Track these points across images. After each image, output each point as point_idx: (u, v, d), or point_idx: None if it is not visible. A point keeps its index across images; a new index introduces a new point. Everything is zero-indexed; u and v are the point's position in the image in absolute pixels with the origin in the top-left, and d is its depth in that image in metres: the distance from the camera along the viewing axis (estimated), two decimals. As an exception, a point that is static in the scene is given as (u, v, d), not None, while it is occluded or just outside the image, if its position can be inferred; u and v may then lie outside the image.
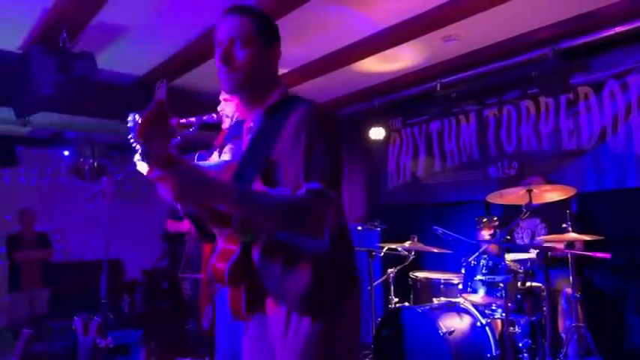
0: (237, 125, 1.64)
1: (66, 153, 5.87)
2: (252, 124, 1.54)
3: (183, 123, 2.50)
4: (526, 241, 3.85)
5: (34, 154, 6.58)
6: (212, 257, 1.49)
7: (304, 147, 1.37)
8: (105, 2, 3.22)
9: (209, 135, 3.27)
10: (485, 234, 3.49)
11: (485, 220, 3.46)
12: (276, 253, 1.44)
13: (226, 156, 1.82)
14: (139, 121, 1.23)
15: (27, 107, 4.10)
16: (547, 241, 3.31)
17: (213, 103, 2.72)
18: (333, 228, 1.42)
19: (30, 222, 5.65)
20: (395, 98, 5.19)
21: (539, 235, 3.76)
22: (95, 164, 5.30)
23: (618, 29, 3.53)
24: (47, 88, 3.56)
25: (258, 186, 1.43)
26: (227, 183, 1.35)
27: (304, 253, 1.42)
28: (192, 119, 2.50)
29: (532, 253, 3.51)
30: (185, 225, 3.86)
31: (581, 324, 3.19)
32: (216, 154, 2.40)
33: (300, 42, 4.00)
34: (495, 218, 3.46)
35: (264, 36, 1.52)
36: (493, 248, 3.69)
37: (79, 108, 4.56)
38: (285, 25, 3.51)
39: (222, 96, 2.53)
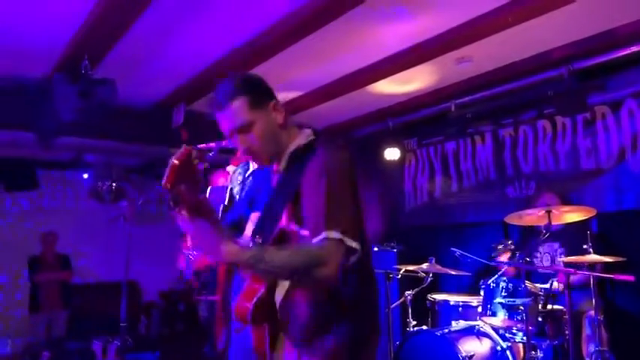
0: (261, 171, 1.73)
1: (85, 176, 5.96)
2: (278, 168, 1.62)
3: (203, 148, 2.54)
4: (545, 261, 3.79)
5: (55, 177, 6.69)
6: (238, 296, 1.54)
7: (324, 194, 1.40)
8: (125, 30, 3.31)
9: (227, 158, 3.32)
10: (504, 259, 3.45)
11: (500, 247, 3.43)
12: (293, 295, 1.48)
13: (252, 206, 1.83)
14: (167, 169, 1.30)
15: (48, 132, 4.20)
16: (568, 263, 3.26)
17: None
18: (355, 275, 1.45)
19: (51, 244, 5.73)
20: (410, 119, 5.20)
21: (558, 261, 3.69)
22: (114, 187, 5.37)
23: (634, 48, 3.51)
24: (68, 114, 3.65)
25: (284, 223, 1.49)
26: (242, 247, 1.40)
27: (319, 298, 1.46)
28: (212, 144, 2.54)
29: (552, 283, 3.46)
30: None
31: (605, 348, 3.11)
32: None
33: (315, 65, 4.05)
34: (510, 242, 3.43)
35: (259, 105, 1.57)
36: (511, 270, 3.65)
37: (99, 132, 4.64)
38: (301, 48, 3.61)
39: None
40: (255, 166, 2.41)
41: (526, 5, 3.11)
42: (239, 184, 2.23)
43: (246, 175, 2.47)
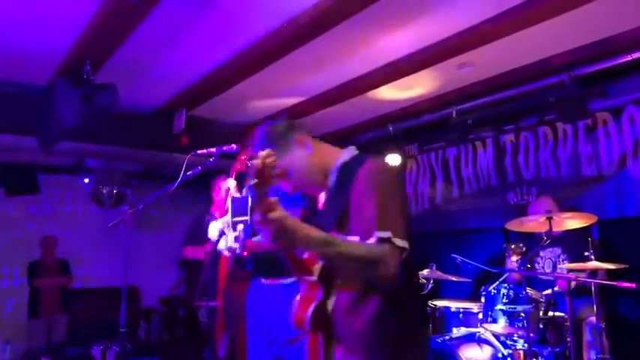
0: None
1: (86, 181, 5.96)
2: (327, 185, 1.72)
3: (203, 153, 2.54)
4: (547, 266, 3.77)
5: (55, 182, 6.69)
6: (295, 305, 1.61)
7: (376, 201, 1.50)
8: (127, 36, 3.32)
9: (227, 163, 3.32)
10: (515, 259, 3.43)
11: (513, 246, 3.42)
12: (348, 302, 1.56)
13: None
14: (254, 178, 1.37)
15: (50, 137, 4.20)
16: (569, 270, 3.25)
17: (231, 132, 2.77)
18: (402, 273, 1.49)
19: (51, 249, 5.72)
20: (411, 125, 5.20)
21: (560, 267, 3.67)
22: (115, 192, 5.37)
23: (635, 55, 3.51)
24: (70, 119, 3.65)
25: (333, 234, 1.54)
26: (313, 231, 1.46)
27: (371, 298, 1.53)
28: (213, 150, 2.54)
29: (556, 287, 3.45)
30: (202, 252, 3.87)
31: (607, 355, 3.09)
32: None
33: (317, 71, 4.06)
34: (522, 245, 3.42)
35: (284, 150, 1.67)
36: (516, 276, 3.63)
37: (100, 137, 4.65)
38: (303, 54, 3.62)
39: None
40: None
41: (527, 12, 3.12)
42: None
43: None
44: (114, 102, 3.69)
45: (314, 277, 1.58)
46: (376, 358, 1.52)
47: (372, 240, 1.46)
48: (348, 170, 1.65)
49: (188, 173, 2.57)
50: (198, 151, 2.59)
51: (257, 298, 2.72)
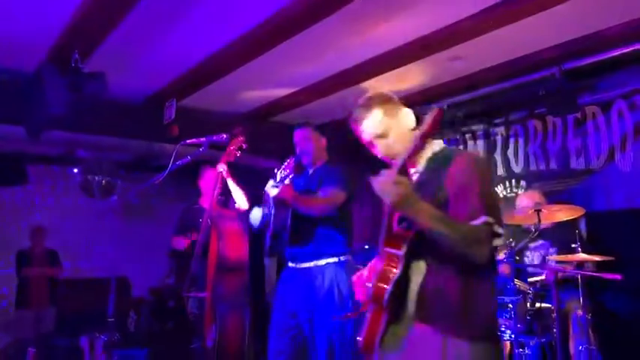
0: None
1: (75, 171, 5.91)
2: (416, 168, 1.81)
3: (193, 143, 2.53)
4: (536, 259, 3.80)
5: (45, 172, 6.63)
6: (373, 277, 1.67)
7: (480, 189, 1.61)
8: (117, 23, 3.28)
9: (217, 153, 3.30)
10: (501, 254, 3.45)
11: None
12: (437, 280, 1.63)
13: None
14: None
15: (38, 126, 4.15)
16: (557, 262, 3.28)
17: (222, 122, 2.76)
18: (492, 250, 1.62)
19: (40, 239, 5.68)
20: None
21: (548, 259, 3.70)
22: (104, 182, 5.33)
23: (625, 49, 3.54)
24: (58, 107, 3.61)
25: None
26: (429, 205, 1.58)
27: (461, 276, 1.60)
28: (203, 139, 2.54)
29: (542, 276, 3.48)
30: (189, 238, 3.87)
31: (593, 346, 3.13)
32: None
33: (308, 62, 4.04)
34: (510, 239, 3.44)
35: (392, 115, 1.82)
36: (505, 269, 3.66)
37: (89, 126, 4.61)
38: (294, 45, 3.60)
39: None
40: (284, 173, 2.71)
41: (518, 5, 3.12)
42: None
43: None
44: (103, 90, 3.65)
45: (401, 252, 1.65)
46: (460, 333, 1.58)
47: (478, 221, 1.56)
48: (440, 159, 1.75)
49: (177, 163, 2.57)
50: (188, 141, 2.58)
51: (287, 284, 2.88)
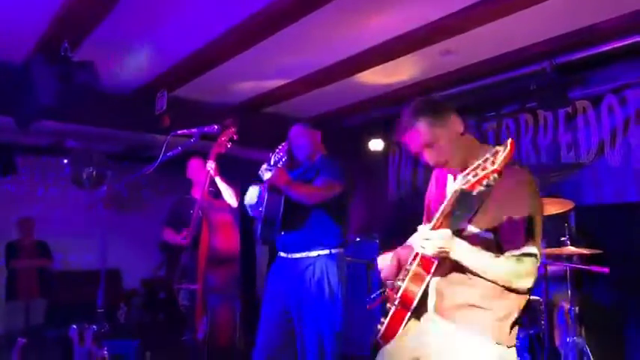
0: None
1: (65, 161, 5.86)
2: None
3: (184, 134, 2.52)
4: None
5: (34, 163, 6.58)
6: (404, 277, 1.71)
7: (527, 213, 1.60)
8: (107, 13, 3.24)
9: (208, 144, 3.29)
10: None
11: None
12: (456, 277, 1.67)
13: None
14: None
15: (27, 116, 4.11)
16: (545, 255, 3.31)
17: (213, 113, 2.74)
18: (534, 280, 1.63)
19: (29, 230, 5.63)
20: (393, 112, 5.20)
21: None
22: (94, 173, 5.29)
23: (616, 44, 3.55)
24: (48, 97, 3.57)
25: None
26: (466, 249, 1.62)
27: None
28: (194, 130, 2.52)
29: None
30: (180, 235, 3.85)
31: (580, 338, 3.18)
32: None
33: (300, 53, 4.03)
34: None
35: (439, 121, 1.74)
36: None
37: (79, 117, 4.57)
38: (287, 36, 3.58)
39: None
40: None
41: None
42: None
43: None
44: (93, 80, 3.62)
45: (437, 259, 1.66)
46: (475, 330, 1.62)
47: (520, 251, 1.58)
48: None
49: (168, 154, 2.55)
50: (179, 132, 2.57)
51: (277, 273, 2.84)
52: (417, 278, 1.67)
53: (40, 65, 3.53)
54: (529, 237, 1.59)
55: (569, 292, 3.16)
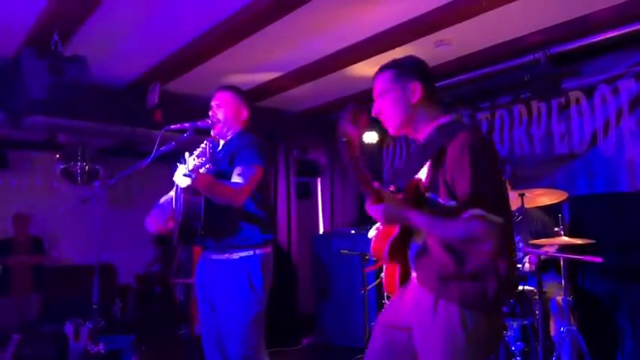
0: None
1: (57, 156, 5.82)
2: (419, 140, 1.83)
3: (177, 128, 2.49)
4: None
5: (26, 158, 6.52)
6: (373, 238, 1.77)
7: (471, 174, 1.56)
8: (97, 6, 3.21)
9: (202, 139, 3.27)
10: None
11: None
12: (432, 243, 1.66)
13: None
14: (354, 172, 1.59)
15: (18, 111, 4.07)
16: (539, 245, 3.33)
17: (206, 107, 2.71)
18: (499, 241, 1.57)
19: (24, 226, 5.60)
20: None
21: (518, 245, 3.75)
22: (87, 168, 5.26)
23: (609, 34, 3.56)
24: (38, 91, 3.53)
25: (424, 182, 1.69)
26: (417, 215, 1.62)
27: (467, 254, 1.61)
28: (187, 124, 2.49)
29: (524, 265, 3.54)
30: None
31: (573, 327, 3.20)
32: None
33: (293, 46, 4.00)
34: None
35: (399, 80, 1.79)
36: None
37: (71, 111, 4.52)
38: (279, 29, 3.56)
39: None
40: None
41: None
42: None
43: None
44: (84, 74, 3.58)
45: None
46: (460, 298, 1.59)
47: (466, 215, 1.53)
48: (444, 133, 1.69)
49: (162, 149, 2.52)
50: (172, 126, 2.53)
51: (203, 273, 2.61)
52: (385, 234, 1.73)
53: (30, 59, 3.49)
54: (473, 201, 1.54)
55: (563, 282, 3.18)
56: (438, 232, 1.62)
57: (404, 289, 1.77)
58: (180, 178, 2.18)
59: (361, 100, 5.06)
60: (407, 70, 1.80)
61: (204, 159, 2.14)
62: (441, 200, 1.63)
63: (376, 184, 1.65)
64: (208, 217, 2.39)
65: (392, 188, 1.78)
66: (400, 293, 1.78)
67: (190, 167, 2.13)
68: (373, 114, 1.82)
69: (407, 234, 1.72)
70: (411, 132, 1.82)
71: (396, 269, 1.77)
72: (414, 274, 1.73)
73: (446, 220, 1.60)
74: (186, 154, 2.17)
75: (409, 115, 1.77)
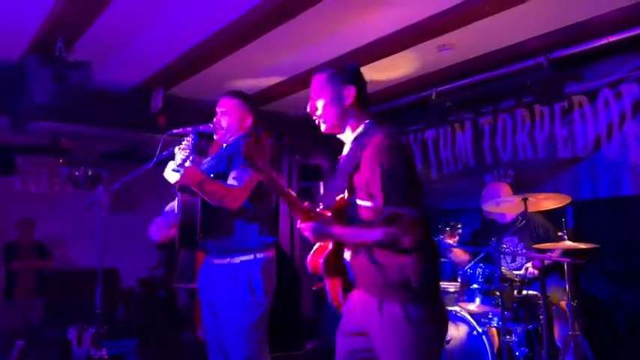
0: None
1: (61, 161, 5.84)
2: (344, 150, 1.96)
3: (179, 133, 2.50)
4: (508, 258, 3.83)
5: (31, 163, 6.55)
6: (309, 255, 1.85)
7: (381, 174, 1.68)
8: (101, 11, 3.23)
9: (205, 143, 3.28)
10: (449, 242, 3.49)
11: (448, 228, 3.48)
12: (367, 254, 1.75)
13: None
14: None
15: (23, 116, 4.10)
16: (543, 249, 3.32)
17: (209, 112, 2.72)
18: (416, 234, 1.67)
19: (29, 231, 5.62)
20: (390, 106, 5.20)
21: (520, 251, 3.75)
22: (90, 173, 5.28)
23: (612, 38, 3.55)
24: (42, 97, 3.56)
25: (346, 194, 1.79)
26: (341, 230, 1.77)
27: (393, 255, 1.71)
28: (189, 129, 2.50)
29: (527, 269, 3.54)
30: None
31: (578, 332, 3.19)
32: None
33: (296, 51, 4.02)
34: (459, 225, 3.48)
35: (334, 83, 1.90)
36: (459, 254, 3.73)
37: (75, 117, 4.55)
38: (282, 33, 3.57)
39: None
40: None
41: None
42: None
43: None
44: (89, 80, 3.60)
45: None
46: (403, 297, 1.68)
47: (384, 215, 1.66)
48: (361, 141, 1.83)
49: (164, 153, 2.53)
50: (175, 131, 2.54)
51: (206, 277, 2.62)
52: (320, 250, 1.84)
53: (35, 65, 3.51)
54: (388, 196, 1.66)
55: (567, 286, 3.16)
56: (361, 240, 1.74)
57: (352, 298, 1.85)
58: (169, 173, 2.23)
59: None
60: (345, 73, 1.92)
61: (188, 151, 2.19)
62: (359, 202, 1.76)
63: (306, 204, 1.80)
64: (205, 219, 2.40)
65: (321, 206, 1.89)
66: (349, 301, 1.86)
67: (178, 162, 2.16)
68: (308, 111, 1.94)
69: (341, 248, 1.82)
70: (340, 132, 1.94)
71: (337, 283, 1.84)
72: (355, 283, 1.82)
73: (367, 229, 1.73)
74: (175, 148, 2.19)
75: (342, 116, 1.89)
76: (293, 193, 1.80)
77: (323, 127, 1.94)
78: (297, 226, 1.79)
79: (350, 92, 1.88)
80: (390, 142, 1.75)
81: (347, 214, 1.79)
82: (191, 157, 2.20)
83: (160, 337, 5.30)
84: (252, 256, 2.47)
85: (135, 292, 6.80)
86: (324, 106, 1.90)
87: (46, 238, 5.89)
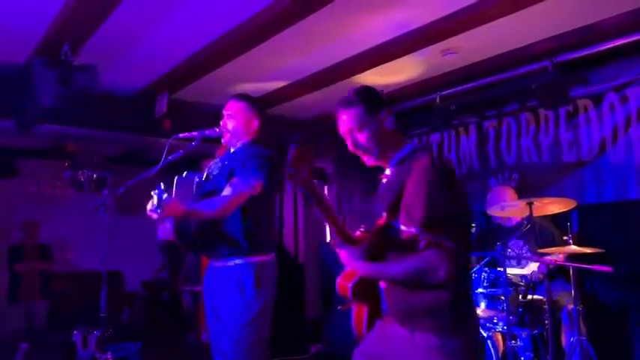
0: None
1: (66, 165, 5.86)
2: (386, 173, 1.88)
3: (185, 137, 2.51)
4: (514, 261, 3.82)
5: (35, 166, 6.58)
6: (339, 277, 1.81)
7: (425, 200, 1.59)
8: (107, 15, 3.24)
9: (210, 147, 3.28)
10: None
11: None
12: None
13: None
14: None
15: (28, 119, 4.11)
16: (548, 254, 3.31)
17: (215, 115, 2.73)
18: (451, 267, 1.57)
19: (32, 233, 5.64)
20: (395, 110, 5.18)
21: (525, 254, 3.73)
22: (94, 177, 5.29)
23: (617, 42, 3.55)
24: (48, 100, 3.57)
25: (387, 219, 1.74)
26: (364, 266, 1.73)
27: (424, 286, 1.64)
28: (195, 133, 2.51)
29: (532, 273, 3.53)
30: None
31: (584, 337, 3.17)
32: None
33: (300, 55, 4.03)
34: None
35: (371, 113, 1.82)
36: None
37: (80, 120, 4.57)
38: (286, 38, 3.58)
39: None
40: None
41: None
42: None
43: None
44: (94, 84, 3.62)
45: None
46: (425, 328, 1.63)
47: (422, 243, 1.57)
48: (404, 164, 1.76)
49: (169, 157, 2.54)
50: (180, 135, 2.55)
51: (208, 280, 2.66)
52: (350, 274, 1.79)
53: (41, 68, 3.53)
54: (430, 224, 1.57)
55: (573, 291, 3.15)
56: (388, 277, 1.70)
57: (381, 324, 1.79)
58: (152, 213, 2.20)
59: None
60: (373, 100, 1.85)
61: (157, 191, 2.12)
62: (402, 227, 1.66)
63: (346, 227, 1.74)
64: (199, 224, 2.46)
65: (362, 228, 1.84)
66: (378, 326, 1.80)
67: (155, 202, 2.12)
68: (351, 149, 1.85)
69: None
70: (384, 160, 1.86)
71: (363, 310, 1.79)
72: (387, 310, 1.76)
73: (394, 263, 1.67)
74: (161, 184, 2.18)
75: (384, 144, 1.83)
76: (334, 212, 1.70)
77: (371, 160, 1.85)
78: (334, 247, 1.75)
79: (386, 116, 1.83)
80: (436, 167, 1.66)
81: (388, 237, 1.72)
82: (164, 196, 2.13)
83: (164, 340, 5.31)
84: (245, 260, 2.48)
85: (139, 295, 6.80)
86: (368, 139, 1.81)
87: (50, 240, 5.90)
